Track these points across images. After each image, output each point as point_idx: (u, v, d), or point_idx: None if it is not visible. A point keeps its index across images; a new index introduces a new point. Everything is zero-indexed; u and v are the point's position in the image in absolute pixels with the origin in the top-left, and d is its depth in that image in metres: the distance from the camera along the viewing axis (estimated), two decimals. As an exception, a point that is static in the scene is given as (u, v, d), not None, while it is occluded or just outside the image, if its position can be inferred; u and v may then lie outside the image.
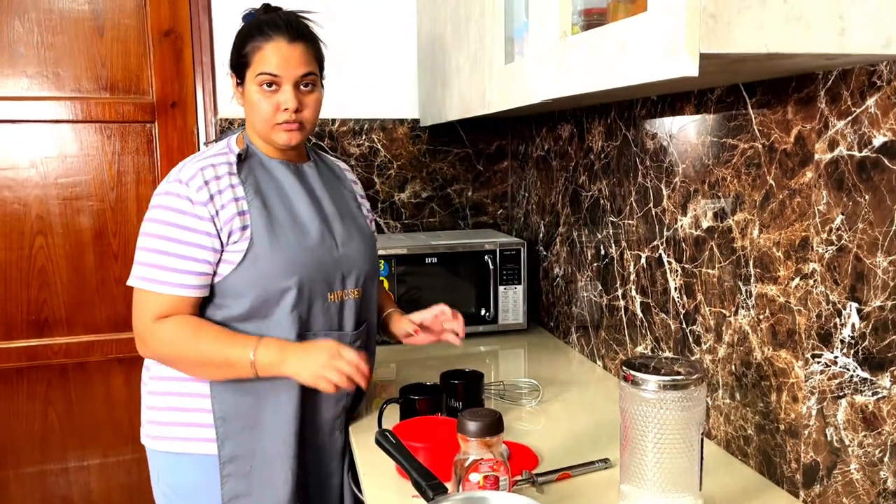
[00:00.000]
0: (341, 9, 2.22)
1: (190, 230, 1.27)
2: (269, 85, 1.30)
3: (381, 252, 1.96)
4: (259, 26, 1.32)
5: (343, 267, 1.39)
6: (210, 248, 1.28)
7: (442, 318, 1.50)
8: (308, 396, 1.35)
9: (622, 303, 1.65)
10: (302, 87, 1.33)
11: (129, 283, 1.30)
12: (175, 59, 2.17)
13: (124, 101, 2.15)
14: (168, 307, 1.27)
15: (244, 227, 1.29)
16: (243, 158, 1.35)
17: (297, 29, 1.32)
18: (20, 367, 2.15)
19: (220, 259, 1.29)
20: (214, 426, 1.32)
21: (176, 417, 1.35)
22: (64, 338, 2.16)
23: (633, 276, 1.59)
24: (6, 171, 2.09)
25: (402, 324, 1.52)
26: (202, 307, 1.32)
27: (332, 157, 1.58)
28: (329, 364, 1.24)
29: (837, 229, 1.01)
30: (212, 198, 1.28)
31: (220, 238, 1.28)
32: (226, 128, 2.17)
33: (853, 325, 0.99)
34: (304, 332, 1.34)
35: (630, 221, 1.59)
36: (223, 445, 1.32)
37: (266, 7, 1.40)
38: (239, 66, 1.34)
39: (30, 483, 2.20)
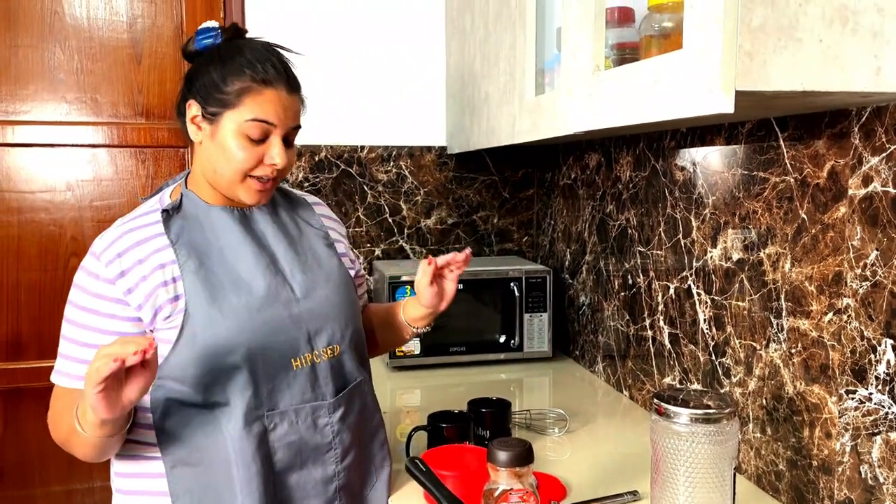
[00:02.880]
0: (371, 37, 2.26)
1: (97, 314, 1.07)
2: (258, 135, 1.11)
3: (405, 277, 1.97)
4: (253, 65, 1.11)
5: (308, 324, 1.16)
6: (116, 333, 1.06)
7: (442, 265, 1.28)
8: (283, 480, 1.13)
9: (650, 333, 1.65)
10: (285, 141, 1.14)
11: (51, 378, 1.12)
12: (209, 86, 2.22)
13: (159, 127, 2.20)
14: (72, 404, 1.05)
15: (175, 298, 1.08)
16: (172, 213, 1.13)
17: (295, 79, 1.16)
18: (52, 387, 2.17)
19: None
20: None
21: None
22: (94, 358, 2.20)
23: (661, 307, 1.59)
24: (43, 193, 2.14)
25: (411, 305, 1.33)
26: (153, 398, 1.09)
27: (297, 192, 1.34)
28: (94, 371, 0.93)
29: (872, 265, 1.01)
30: (122, 274, 1.07)
31: (136, 319, 1.08)
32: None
33: (888, 362, 0.98)
34: (267, 413, 1.11)
35: (658, 252, 1.60)
36: None
37: (236, 30, 1.19)
38: (216, 101, 1.11)
39: (56, 502, 2.22)
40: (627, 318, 1.76)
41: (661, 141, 1.58)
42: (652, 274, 1.63)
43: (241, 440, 1.09)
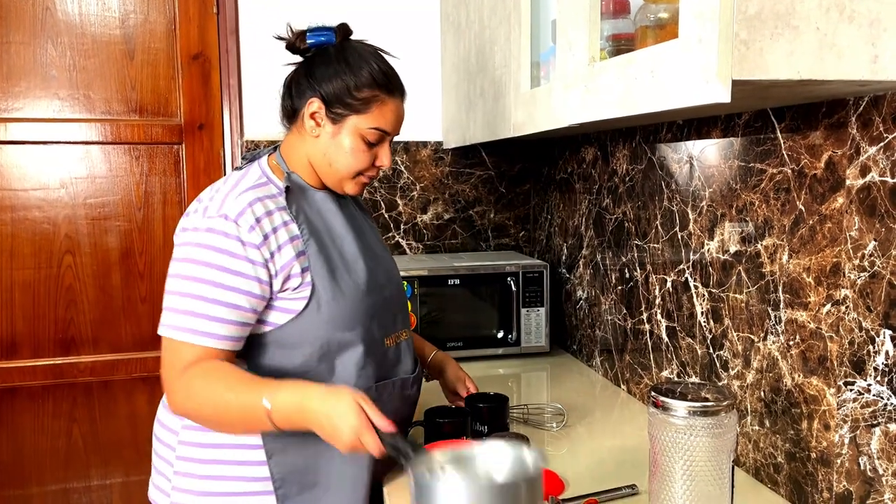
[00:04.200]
0: (365, 31, 2.25)
1: (239, 275, 1.12)
2: (375, 139, 1.23)
3: (403, 273, 1.96)
4: (384, 76, 1.22)
5: (392, 308, 1.30)
6: (259, 297, 1.14)
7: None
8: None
9: (647, 326, 1.64)
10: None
11: (162, 332, 1.14)
12: (203, 82, 2.20)
13: (153, 123, 2.18)
14: (202, 360, 1.11)
15: (304, 270, 1.17)
16: (289, 190, 1.21)
17: (405, 89, 1.28)
18: (46, 385, 2.17)
19: (268, 306, 1.17)
20: (273, 489, 1.18)
21: (227, 487, 1.19)
22: (90, 356, 2.19)
23: (658, 300, 1.59)
24: (37, 191, 2.13)
25: (454, 382, 1.50)
26: (251, 359, 1.19)
27: None
28: (347, 439, 1.03)
29: (870, 255, 1.00)
30: (266, 238, 1.14)
31: (271, 285, 1.15)
32: (251, 149, 2.19)
33: (887, 353, 0.98)
34: (376, 385, 1.23)
35: (655, 245, 1.59)
36: None
37: (347, 30, 1.28)
38: (344, 104, 1.21)
39: (53, 500, 2.21)
40: (625, 311, 1.76)
41: (657, 133, 1.57)
42: (649, 267, 1.62)
43: None
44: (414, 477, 0.88)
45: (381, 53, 1.28)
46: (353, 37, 1.29)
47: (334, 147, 1.23)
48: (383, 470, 1.28)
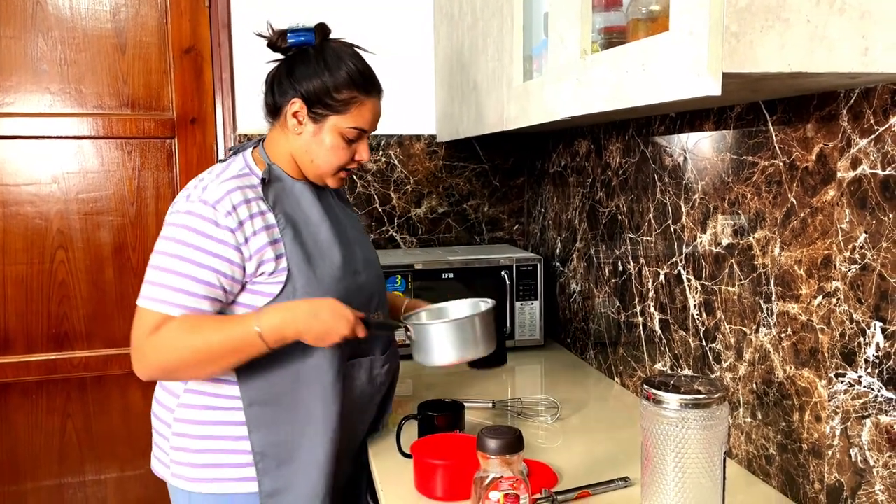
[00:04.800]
0: (358, 25, 2.24)
1: (209, 254, 1.21)
2: (355, 137, 1.31)
3: (398, 267, 1.96)
4: (362, 76, 1.30)
5: (366, 293, 1.38)
6: (229, 277, 1.22)
7: None
8: (345, 421, 1.33)
9: (640, 319, 1.65)
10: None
11: (139, 303, 1.24)
12: (195, 76, 2.20)
13: (145, 118, 2.17)
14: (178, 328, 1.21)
15: (278, 257, 1.25)
16: (267, 181, 1.29)
17: (381, 86, 1.35)
18: (40, 381, 2.16)
19: (242, 289, 1.25)
20: (254, 462, 1.28)
21: (217, 459, 1.29)
22: (83, 351, 2.18)
23: (651, 293, 1.59)
24: (28, 186, 2.12)
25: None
26: None
27: None
28: (338, 328, 1.22)
29: (861, 248, 1.00)
30: (241, 224, 1.22)
31: (243, 268, 1.23)
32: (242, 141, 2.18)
33: (877, 345, 0.98)
34: (343, 363, 1.31)
35: (648, 238, 1.59)
36: (263, 482, 1.28)
37: (325, 30, 1.34)
38: (325, 105, 1.28)
39: (47, 496, 2.21)
40: (618, 304, 1.76)
41: (649, 126, 1.57)
42: (642, 260, 1.62)
43: (331, 385, 1.29)
44: (412, 329, 1.35)
45: (359, 51, 1.35)
46: (339, 32, 1.35)
47: (316, 145, 1.31)
48: (350, 447, 1.40)
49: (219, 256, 1.21)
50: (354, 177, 2.28)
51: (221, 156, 2.23)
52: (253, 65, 2.17)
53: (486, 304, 1.41)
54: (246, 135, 2.19)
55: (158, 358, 1.22)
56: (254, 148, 1.36)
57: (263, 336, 1.19)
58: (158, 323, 1.20)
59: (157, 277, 1.22)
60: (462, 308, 1.47)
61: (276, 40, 1.33)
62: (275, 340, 1.21)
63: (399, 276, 1.97)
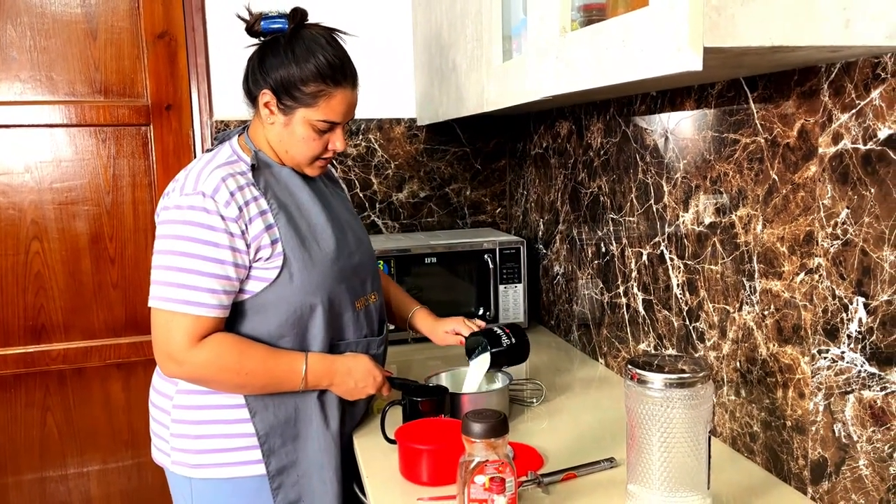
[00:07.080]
0: (336, 7, 2.21)
1: (221, 247, 1.21)
2: (326, 128, 1.30)
3: (380, 252, 1.95)
4: (331, 68, 1.26)
5: (360, 274, 1.39)
6: (242, 266, 1.23)
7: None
8: (346, 404, 1.38)
9: (624, 300, 1.65)
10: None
11: (153, 304, 1.22)
12: (169, 62, 2.15)
13: (119, 105, 2.13)
14: (203, 329, 1.21)
15: (274, 242, 1.25)
16: (257, 168, 1.29)
17: (357, 76, 1.32)
18: (18, 374, 2.13)
19: (247, 276, 1.26)
20: (259, 444, 1.29)
21: (218, 444, 1.30)
22: (61, 343, 2.15)
23: (634, 274, 1.58)
24: (0, 176, 2.07)
25: (443, 335, 1.57)
26: (230, 325, 1.28)
27: None
28: (365, 388, 1.33)
29: (843, 223, 1.00)
30: (241, 211, 1.22)
31: (243, 252, 1.23)
32: (221, 129, 2.15)
33: (860, 320, 0.98)
34: (337, 342, 1.35)
35: (631, 218, 1.58)
36: (270, 462, 1.30)
37: (302, 16, 1.31)
38: (292, 97, 1.27)
39: (29, 490, 2.18)
40: (601, 286, 1.76)
41: (630, 105, 1.56)
42: (625, 241, 1.62)
43: None
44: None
45: (336, 37, 1.32)
46: (317, 16, 1.33)
47: (287, 135, 1.30)
48: (351, 423, 1.42)
49: (230, 248, 1.21)
50: (334, 161, 2.25)
51: (198, 143, 2.20)
52: (229, 50, 2.14)
53: (504, 377, 1.48)
54: (223, 121, 2.16)
55: (200, 371, 1.23)
56: (239, 136, 1.36)
57: (307, 379, 1.28)
58: (195, 328, 1.20)
59: (173, 278, 1.20)
60: (481, 364, 1.46)
61: (253, 24, 1.31)
62: (311, 385, 1.29)
63: (381, 262, 1.95)
